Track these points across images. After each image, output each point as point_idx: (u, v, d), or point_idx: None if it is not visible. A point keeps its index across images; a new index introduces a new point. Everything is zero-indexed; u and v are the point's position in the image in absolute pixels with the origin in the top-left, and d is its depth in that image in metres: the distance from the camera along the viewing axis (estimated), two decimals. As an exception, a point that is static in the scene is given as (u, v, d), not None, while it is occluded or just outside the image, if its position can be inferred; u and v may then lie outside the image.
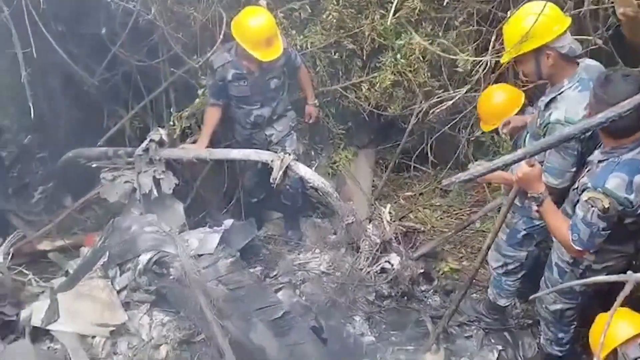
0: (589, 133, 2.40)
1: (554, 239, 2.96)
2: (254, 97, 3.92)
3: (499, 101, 3.40)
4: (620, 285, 1.82)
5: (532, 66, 2.72)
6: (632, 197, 2.39)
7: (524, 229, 3.18)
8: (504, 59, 2.85)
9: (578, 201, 2.54)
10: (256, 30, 3.61)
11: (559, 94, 2.68)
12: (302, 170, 3.84)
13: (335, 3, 4.15)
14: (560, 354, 3.30)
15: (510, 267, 3.37)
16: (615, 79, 2.36)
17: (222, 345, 2.87)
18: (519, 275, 3.43)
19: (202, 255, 3.18)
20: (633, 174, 2.40)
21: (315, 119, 4.30)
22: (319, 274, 3.96)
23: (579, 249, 2.53)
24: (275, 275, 3.94)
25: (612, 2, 3.39)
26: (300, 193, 4.31)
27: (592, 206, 2.41)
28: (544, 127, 2.68)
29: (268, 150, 3.98)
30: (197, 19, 4.04)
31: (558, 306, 3.05)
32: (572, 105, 2.59)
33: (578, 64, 2.72)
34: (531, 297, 2.80)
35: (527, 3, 2.80)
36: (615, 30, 3.59)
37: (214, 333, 2.89)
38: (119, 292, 3.08)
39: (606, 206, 2.38)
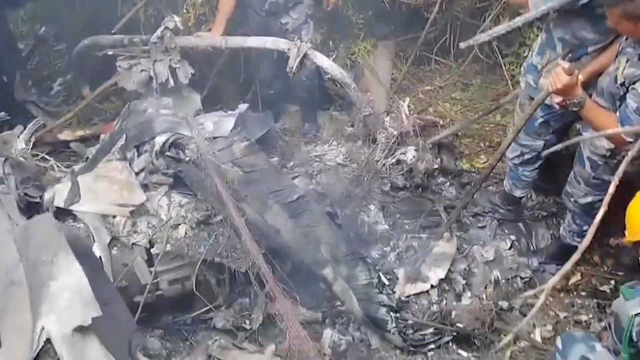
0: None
1: (584, 132, 2.90)
2: None
3: None
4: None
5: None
6: None
7: (541, 116, 3.10)
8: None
9: (624, 95, 2.47)
10: None
11: None
12: (320, 59, 3.75)
13: None
14: (577, 245, 3.33)
15: (527, 156, 3.34)
16: None
17: (239, 225, 2.94)
18: (536, 165, 3.40)
19: (216, 138, 3.18)
20: None
21: (333, 6, 4.13)
22: (335, 165, 3.97)
23: (631, 140, 2.44)
24: (292, 166, 3.97)
25: None
26: (317, 85, 4.24)
27: None
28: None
29: (285, 39, 3.87)
30: None
31: (589, 199, 3.04)
32: None
33: None
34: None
35: None
36: None
37: (230, 214, 2.96)
38: (137, 174, 3.12)
39: None
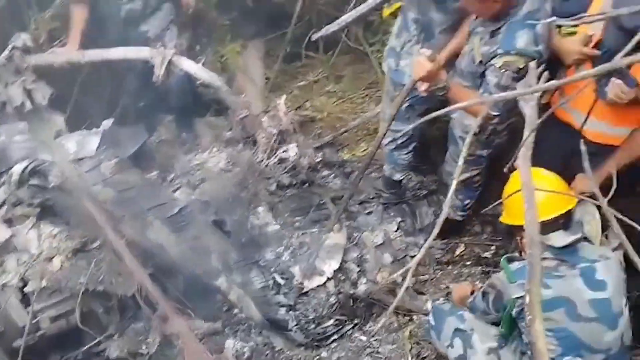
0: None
1: (453, 115, 3.03)
2: None
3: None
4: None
5: None
6: (541, 48, 2.46)
7: (406, 101, 3.20)
8: None
9: (483, 72, 2.59)
10: None
11: None
12: (187, 64, 3.66)
13: None
14: (461, 219, 3.52)
15: (400, 141, 3.46)
16: None
17: (119, 248, 2.79)
18: (410, 148, 3.53)
19: (82, 159, 3.00)
20: (534, 26, 2.45)
21: (194, 9, 4.02)
22: (217, 172, 3.89)
23: (497, 114, 2.60)
24: (172, 178, 3.83)
25: None
26: (189, 92, 4.12)
27: (507, 70, 2.45)
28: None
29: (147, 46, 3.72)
30: None
31: (466, 174, 3.19)
32: None
33: None
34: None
35: None
36: None
37: (109, 237, 2.79)
38: (-3, 208, 2.88)
39: (521, 66, 2.43)
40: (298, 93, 4.64)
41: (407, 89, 2.87)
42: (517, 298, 2.23)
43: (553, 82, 1.00)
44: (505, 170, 1.60)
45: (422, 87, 2.71)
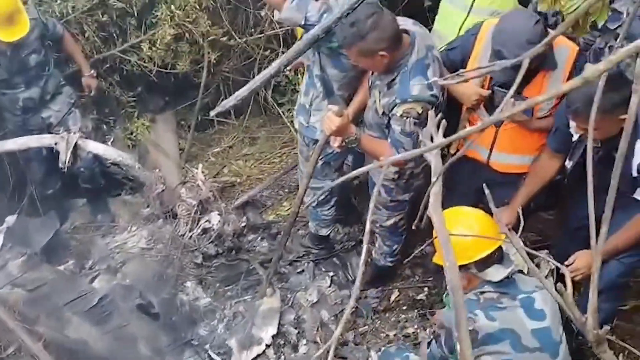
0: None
1: (371, 165, 3.08)
2: (14, 79, 3.46)
3: None
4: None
5: None
6: (435, 92, 2.55)
7: (321, 159, 3.23)
8: None
9: (388, 122, 2.66)
10: None
11: None
12: (93, 146, 3.55)
13: (89, -39, 3.80)
14: (391, 265, 3.54)
15: (321, 197, 3.46)
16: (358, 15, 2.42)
17: (36, 352, 2.58)
18: (332, 203, 3.54)
19: (-15, 261, 2.80)
20: (425, 72, 2.55)
21: (96, 90, 3.93)
22: (139, 252, 3.74)
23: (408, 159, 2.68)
24: (91, 265, 3.65)
25: None
26: (100, 172, 3.98)
27: (407, 117, 2.53)
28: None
29: (50, 133, 3.59)
30: None
31: (392, 220, 3.24)
32: None
33: None
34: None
35: None
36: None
37: (23, 341, 2.58)
38: None
39: (420, 112, 2.51)
40: (214, 160, 4.59)
41: (320, 145, 2.91)
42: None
43: (452, 137, 1.03)
44: (414, 225, 1.61)
45: (336, 143, 2.77)
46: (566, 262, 2.57)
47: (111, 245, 3.82)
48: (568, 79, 2.58)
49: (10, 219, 3.26)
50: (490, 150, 2.87)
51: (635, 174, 2.28)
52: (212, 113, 1.67)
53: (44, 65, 3.55)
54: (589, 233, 2.64)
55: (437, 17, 3.34)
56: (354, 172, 1.60)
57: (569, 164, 2.58)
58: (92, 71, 3.86)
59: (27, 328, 2.61)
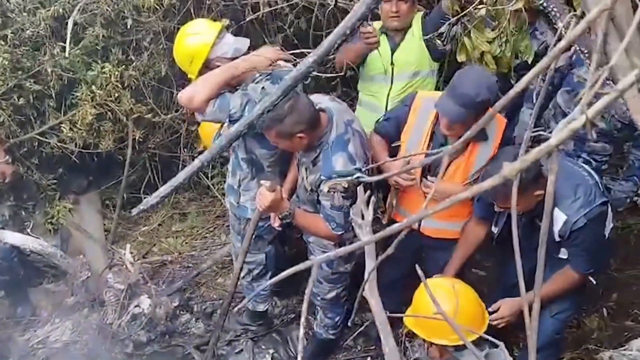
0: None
1: (309, 239, 3.07)
2: None
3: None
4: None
5: None
6: (359, 164, 2.61)
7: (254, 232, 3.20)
8: (193, 79, 2.85)
9: (318, 198, 2.69)
10: None
11: (249, 84, 2.78)
12: (11, 237, 3.36)
13: (4, 43, 3.67)
14: (334, 337, 3.47)
15: (256, 272, 3.40)
16: None
17: None
18: (268, 277, 3.47)
19: None
20: (346, 147, 2.62)
21: (11, 177, 3.71)
22: (63, 345, 3.50)
23: (341, 232, 2.69)
24: (9, 366, 3.37)
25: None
26: (18, 262, 3.73)
27: (334, 192, 2.57)
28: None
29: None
30: None
31: (333, 293, 3.22)
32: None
33: None
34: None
35: (183, 27, 2.93)
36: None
37: None
38: None
39: (346, 186, 2.55)
40: (143, 239, 4.41)
41: (254, 221, 2.89)
42: None
43: (386, 231, 1.02)
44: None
45: (276, 223, 2.82)
46: (490, 309, 2.61)
47: (33, 340, 3.58)
48: (497, 149, 2.68)
49: None
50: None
51: (557, 238, 2.41)
52: (134, 212, 1.60)
53: (-46, 155, 3.34)
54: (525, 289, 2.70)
55: (360, 89, 3.45)
56: (297, 267, 1.54)
57: (495, 229, 2.67)
58: (7, 157, 3.65)
59: None
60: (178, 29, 3.71)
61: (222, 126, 3.09)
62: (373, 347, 3.63)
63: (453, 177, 2.74)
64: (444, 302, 2.25)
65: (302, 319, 1.39)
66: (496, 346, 2.34)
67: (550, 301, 2.61)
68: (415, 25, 3.18)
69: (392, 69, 3.23)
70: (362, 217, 2.05)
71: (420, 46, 3.17)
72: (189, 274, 4.04)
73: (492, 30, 2.29)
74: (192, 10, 3.92)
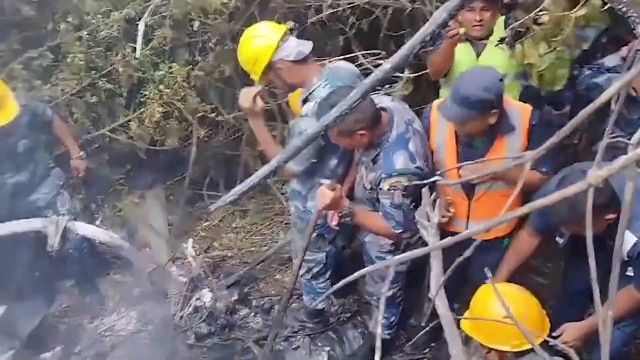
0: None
1: (365, 239, 3.09)
2: (3, 165, 3.44)
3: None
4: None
5: (278, 80, 2.90)
6: (419, 163, 2.61)
7: (316, 230, 3.23)
8: (256, 81, 2.92)
9: (378, 196, 2.70)
10: None
11: (310, 93, 2.83)
12: (82, 229, 3.50)
13: (79, 44, 3.86)
14: (389, 337, 3.47)
15: (315, 270, 3.44)
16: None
17: None
18: (327, 276, 3.51)
19: (-28, 359, 2.69)
20: (407, 146, 2.62)
21: (85, 172, 3.92)
22: (129, 334, 3.65)
23: (401, 230, 2.68)
24: (79, 351, 3.53)
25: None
26: (89, 253, 3.92)
27: (395, 190, 2.57)
28: (296, 121, 2.81)
29: (39, 216, 3.54)
30: None
31: (389, 292, 3.20)
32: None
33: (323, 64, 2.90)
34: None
35: (247, 29, 2.97)
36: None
37: None
38: None
39: (405, 184, 2.56)
40: (205, 234, 4.55)
41: (314, 219, 2.91)
42: None
43: (454, 238, 1.03)
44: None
45: (334, 222, 2.84)
46: (554, 334, 2.55)
47: (100, 328, 3.73)
48: (527, 139, 2.64)
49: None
50: (467, 222, 2.88)
51: (626, 258, 2.35)
52: (212, 208, 1.67)
53: (33, 150, 3.54)
54: (588, 299, 2.63)
55: (443, 95, 3.43)
56: (355, 275, 1.56)
57: (560, 240, 2.60)
58: (81, 153, 3.86)
59: None
60: (243, 31, 3.82)
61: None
62: (427, 350, 3.62)
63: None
64: (500, 307, 2.22)
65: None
66: (556, 355, 2.32)
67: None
68: (498, 30, 3.15)
69: None
70: (428, 219, 2.07)
71: (504, 50, 3.14)
72: (245, 268, 4.13)
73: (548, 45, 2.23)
74: (256, 13, 4.01)
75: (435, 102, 2.86)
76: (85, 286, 4.05)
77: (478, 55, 3.20)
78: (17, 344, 2.85)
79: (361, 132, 2.56)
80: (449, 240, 1.16)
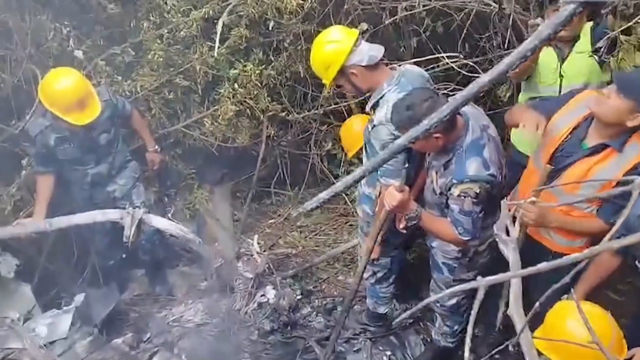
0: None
1: (432, 244, 3.06)
2: (85, 157, 3.60)
3: (358, 129, 3.65)
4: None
5: (349, 85, 2.88)
6: (492, 171, 2.54)
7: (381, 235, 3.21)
8: (327, 85, 2.93)
9: (447, 202, 2.65)
10: (64, 94, 3.27)
11: (381, 98, 2.80)
12: (156, 221, 3.61)
13: (159, 42, 3.99)
14: (452, 346, 3.42)
15: (380, 274, 3.42)
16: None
17: None
18: (391, 281, 3.49)
19: (55, 341, 2.83)
20: (481, 152, 2.56)
21: (159, 165, 4.06)
22: (195, 326, 3.75)
23: (468, 238, 2.63)
24: (148, 339, 3.66)
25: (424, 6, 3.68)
26: (160, 244, 4.05)
27: (465, 197, 2.52)
28: (372, 129, 2.77)
29: (115, 207, 3.70)
30: (7, 80, 3.68)
31: (454, 300, 3.18)
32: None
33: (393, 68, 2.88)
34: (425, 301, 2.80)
35: (320, 33, 2.96)
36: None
37: None
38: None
39: (477, 191, 2.51)
40: (270, 231, 4.62)
41: (381, 220, 2.86)
42: None
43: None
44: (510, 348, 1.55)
45: (401, 224, 2.79)
46: (623, 358, 2.42)
47: (168, 318, 3.85)
48: (627, 172, 2.48)
49: (79, 298, 3.33)
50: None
51: None
52: (294, 214, 1.69)
53: (113, 143, 3.68)
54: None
55: (522, 100, 3.35)
56: (427, 300, 1.52)
57: None
58: (157, 147, 3.99)
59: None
60: (317, 31, 3.85)
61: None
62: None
63: (570, 178, 2.58)
64: (580, 327, 2.13)
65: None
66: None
67: None
68: (584, 36, 3.04)
69: (561, 80, 3.13)
70: (507, 233, 2.01)
71: (589, 58, 3.03)
72: (307, 265, 4.16)
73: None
74: (330, 14, 4.02)
75: (587, 92, 2.66)
76: (156, 276, 4.19)
77: (563, 60, 3.10)
78: (94, 331, 2.97)
79: (437, 135, 2.51)
80: (530, 270, 1.14)
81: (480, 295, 1.12)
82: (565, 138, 2.61)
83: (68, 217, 3.61)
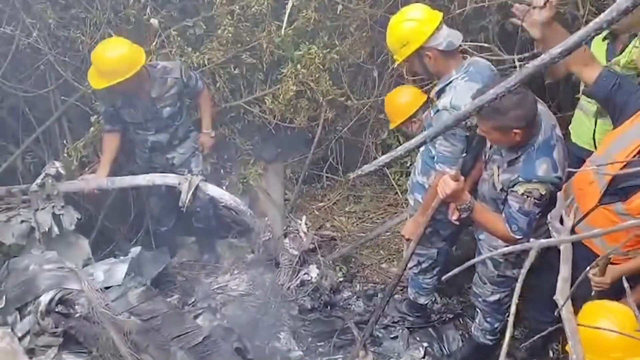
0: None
1: (480, 236, 3.04)
2: (147, 124, 3.74)
3: (403, 100, 3.56)
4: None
5: (419, 66, 2.85)
6: (559, 173, 2.52)
7: (431, 226, 3.21)
8: (396, 62, 2.93)
9: (505, 198, 2.62)
10: (94, 56, 3.44)
11: (448, 84, 2.78)
12: (212, 190, 3.73)
13: (230, 18, 4.09)
14: (491, 343, 3.40)
15: (424, 265, 3.43)
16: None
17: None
18: (434, 272, 3.50)
19: (109, 287, 2.98)
20: (551, 153, 2.52)
21: (208, 150, 4.11)
22: (239, 295, 3.86)
23: (520, 237, 2.60)
24: (193, 302, 3.80)
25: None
26: (213, 214, 4.18)
27: (529, 197, 2.49)
28: (435, 114, 2.78)
29: (173, 172, 3.84)
30: (85, 42, 3.88)
31: (496, 296, 3.15)
32: (459, 93, 2.68)
33: (465, 57, 2.85)
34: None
35: (402, 9, 2.92)
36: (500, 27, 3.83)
37: (131, 369, 2.71)
38: (20, 338, 2.82)
39: (543, 193, 2.48)
40: (318, 214, 4.68)
41: (433, 208, 2.84)
42: None
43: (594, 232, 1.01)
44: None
45: (454, 216, 2.77)
46: None
47: (214, 285, 3.98)
48: None
49: (135, 250, 3.48)
50: (581, 219, 2.60)
51: None
52: (351, 176, 1.73)
53: (176, 116, 3.80)
54: None
55: (571, 125, 3.29)
56: (469, 262, 1.53)
57: None
58: (212, 131, 4.06)
59: (136, 357, 2.74)
60: (384, 17, 3.87)
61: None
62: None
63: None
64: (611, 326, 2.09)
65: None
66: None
67: None
68: (599, 49, 2.94)
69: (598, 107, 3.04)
70: (561, 222, 2.00)
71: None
72: (351, 246, 4.21)
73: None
74: (399, 1, 4.03)
75: None
76: (205, 245, 4.33)
77: (614, 55, 2.93)
78: (147, 282, 3.11)
79: (517, 130, 2.46)
80: (584, 235, 1.14)
81: (532, 255, 1.14)
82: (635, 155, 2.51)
83: (129, 178, 3.78)
